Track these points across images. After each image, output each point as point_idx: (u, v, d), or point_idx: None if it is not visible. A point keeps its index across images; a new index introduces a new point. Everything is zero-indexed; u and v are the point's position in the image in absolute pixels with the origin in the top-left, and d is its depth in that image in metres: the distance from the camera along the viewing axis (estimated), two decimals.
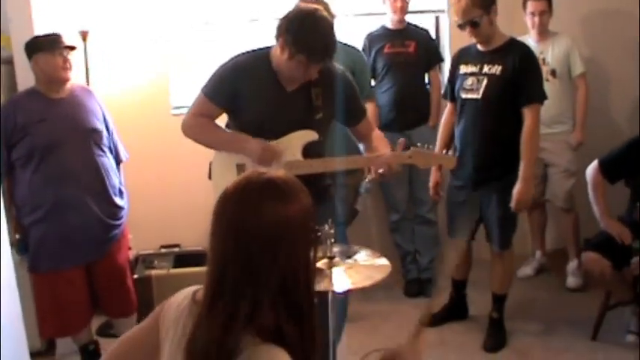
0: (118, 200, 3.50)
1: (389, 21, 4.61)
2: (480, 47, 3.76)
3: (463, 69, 3.81)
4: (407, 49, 4.58)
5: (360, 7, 4.85)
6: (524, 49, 3.75)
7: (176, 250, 4.36)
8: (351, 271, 2.42)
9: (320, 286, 2.30)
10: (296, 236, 1.45)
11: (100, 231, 3.40)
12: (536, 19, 4.48)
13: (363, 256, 2.60)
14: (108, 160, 3.47)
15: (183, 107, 4.61)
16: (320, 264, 2.42)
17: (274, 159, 2.94)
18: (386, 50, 4.59)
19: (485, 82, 3.67)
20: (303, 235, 1.47)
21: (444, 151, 2.97)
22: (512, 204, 3.68)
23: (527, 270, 4.88)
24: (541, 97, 3.71)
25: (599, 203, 3.78)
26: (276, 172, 1.52)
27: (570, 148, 4.58)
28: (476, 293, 4.31)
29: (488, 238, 3.95)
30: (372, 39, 4.62)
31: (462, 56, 3.87)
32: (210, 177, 3.13)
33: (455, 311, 4.26)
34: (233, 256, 1.43)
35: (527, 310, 4.35)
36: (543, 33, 4.53)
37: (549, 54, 4.51)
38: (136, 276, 3.94)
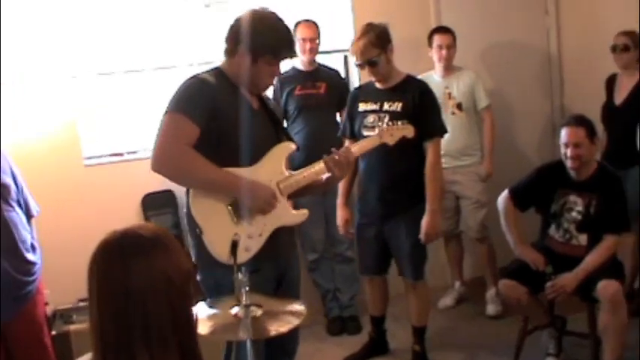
0: (29, 256, 3.35)
1: (299, 62, 4.60)
2: (378, 85, 3.82)
3: (362, 107, 3.85)
4: (318, 91, 4.58)
5: None
6: (422, 85, 3.87)
7: None
8: (265, 317, 2.36)
9: (237, 334, 2.24)
10: (159, 288, 1.45)
11: (12, 289, 3.26)
12: (444, 51, 4.61)
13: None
14: (17, 215, 3.33)
15: (94, 157, 4.53)
16: (236, 311, 2.36)
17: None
18: (297, 92, 4.58)
19: (386, 119, 3.71)
20: (169, 286, 1.46)
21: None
22: (422, 236, 3.75)
23: (447, 300, 4.96)
24: (442, 130, 3.83)
25: (511, 232, 3.87)
26: (142, 225, 1.55)
27: (480, 180, 4.71)
28: (397, 327, 4.35)
29: (400, 272, 3.98)
30: (283, 81, 4.57)
31: (360, 94, 3.93)
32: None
33: (376, 348, 4.27)
34: (107, 313, 1.44)
35: (449, 340, 4.40)
36: (448, 67, 4.67)
37: (455, 88, 4.66)
38: (53, 332, 3.77)
